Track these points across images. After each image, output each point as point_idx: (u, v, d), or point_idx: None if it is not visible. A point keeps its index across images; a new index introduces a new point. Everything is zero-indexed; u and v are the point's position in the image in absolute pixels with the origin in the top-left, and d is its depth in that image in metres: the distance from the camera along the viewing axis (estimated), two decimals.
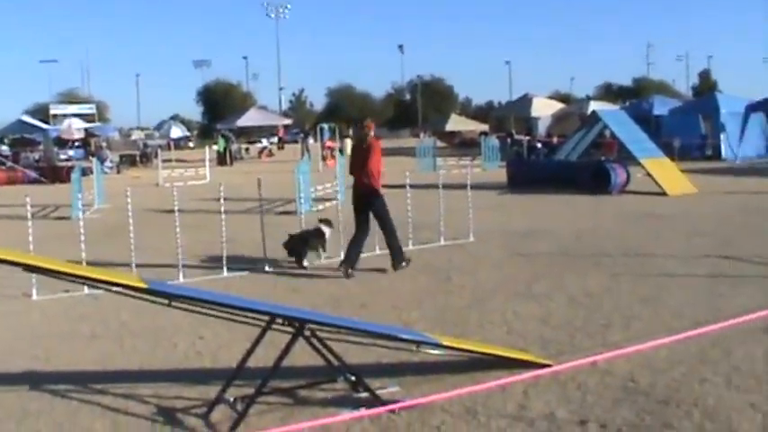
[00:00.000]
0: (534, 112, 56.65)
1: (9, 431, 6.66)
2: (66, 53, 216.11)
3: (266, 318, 6.74)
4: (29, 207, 12.75)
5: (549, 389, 6.99)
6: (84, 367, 8.38)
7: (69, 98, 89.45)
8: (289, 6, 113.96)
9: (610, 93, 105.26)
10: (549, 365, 7.26)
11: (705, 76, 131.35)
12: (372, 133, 13.13)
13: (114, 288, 6.62)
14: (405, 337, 7.29)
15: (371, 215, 12.73)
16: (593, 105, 49.20)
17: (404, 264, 12.78)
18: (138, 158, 51.01)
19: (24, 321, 10.49)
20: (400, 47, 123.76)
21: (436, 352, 7.80)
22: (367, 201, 12.66)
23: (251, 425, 6.24)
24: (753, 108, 39.99)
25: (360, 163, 12.74)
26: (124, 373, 8.04)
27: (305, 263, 13.18)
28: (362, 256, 13.02)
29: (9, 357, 8.83)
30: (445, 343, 7.33)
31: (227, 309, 6.82)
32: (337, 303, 10.55)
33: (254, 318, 6.86)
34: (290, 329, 6.62)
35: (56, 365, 8.51)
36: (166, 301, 6.69)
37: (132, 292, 6.57)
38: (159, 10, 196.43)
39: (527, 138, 46.99)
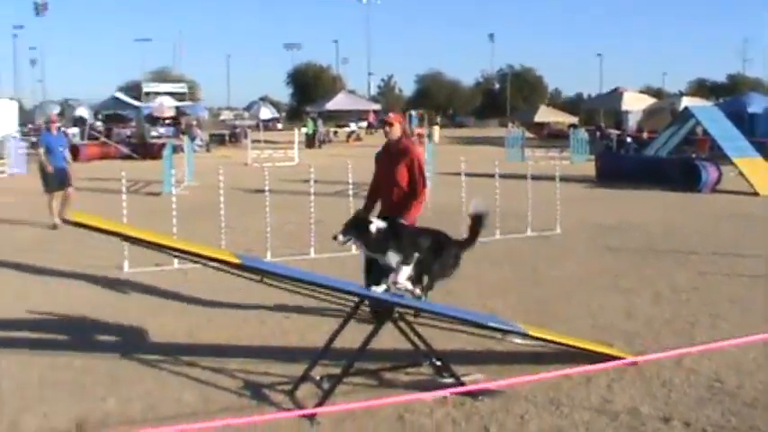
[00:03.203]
0: (625, 106, 55.88)
1: (99, 397, 6.85)
2: (159, 32, 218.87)
3: (355, 299, 6.83)
4: (124, 182, 13.04)
5: (633, 384, 6.96)
6: (174, 340, 8.56)
7: (161, 77, 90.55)
8: None
9: (703, 89, 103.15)
10: (633, 361, 7.22)
11: None
12: (400, 131, 9.19)
13: (208, 263, 6.75)
14: (492, 324, 7.30)
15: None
16: (686, 101, 48.35)
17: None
18: (227, 138, 51.63)
19: (116, 293, 10.75)
20: (491, 35, 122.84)
21: (521, 341, 7.83)
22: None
23: (336, 403, 6.31)
24: None
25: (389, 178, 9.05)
26: (212, 347, 8.20)
27: None
28: None
29: (101, 327, 9.07)
30: (531, 333, 7.32)
31: (317, 288, 6.92)
32: None
33: (342, 298, 6.95)
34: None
35: (145, 336, 8.72)
36: (258, 278, 6.83)
37: (225, 267, 6.70)
38: None
39: (617, 132, 46.42)
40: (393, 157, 9.00)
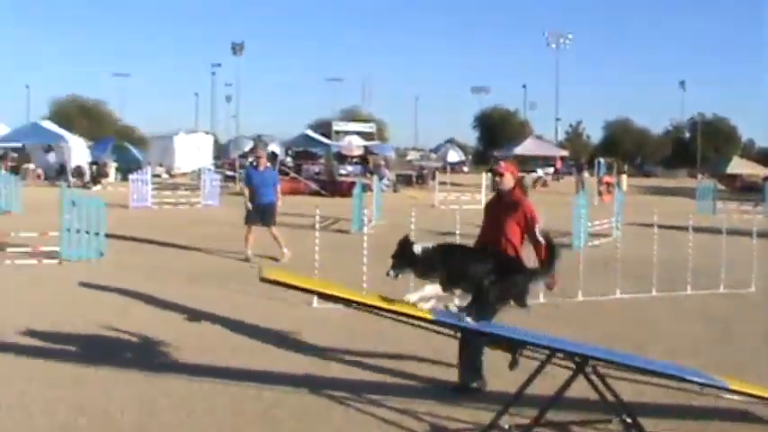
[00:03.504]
0: None
1: (290, 429, 7.00)
2: (350, 72, 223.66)
3: (547, 351, 6.76)
4: (317, 219, 13.31)
5: None
6: (361, 377, 8.67)
7: (351, 116, 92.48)
8: (570, 36, 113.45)
9: None
10: None
11: None
12: (512, 182, 8.89)
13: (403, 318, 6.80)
14: (691, 378, 7.06)
15: None
16: None
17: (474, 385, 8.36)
18: (414, 179, 52.15)
19: (304, 328, 10.95)
20: (682, 83, 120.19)
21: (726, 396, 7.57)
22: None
23: None
24: None
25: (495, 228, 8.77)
26: (400, 387, 8.27)
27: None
28: (635, 296, 12.89)
29: (291, 361, 9.26)
30: (733, 387, 7.04)
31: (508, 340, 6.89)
32: (612, 342, 10.26)
33: (533, 350, 6.90)
34: (569, 364, 6.62)
35: (334, 372, 8.86)
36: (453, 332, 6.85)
37: (421, 323, 6.75)
38: (439, 36, 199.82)
39: None
40: (503, 208, 8.76)
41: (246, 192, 17.61)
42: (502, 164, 9.14)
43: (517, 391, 6.94)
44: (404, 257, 7.18)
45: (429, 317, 6.60)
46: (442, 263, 7.09)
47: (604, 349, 7.10)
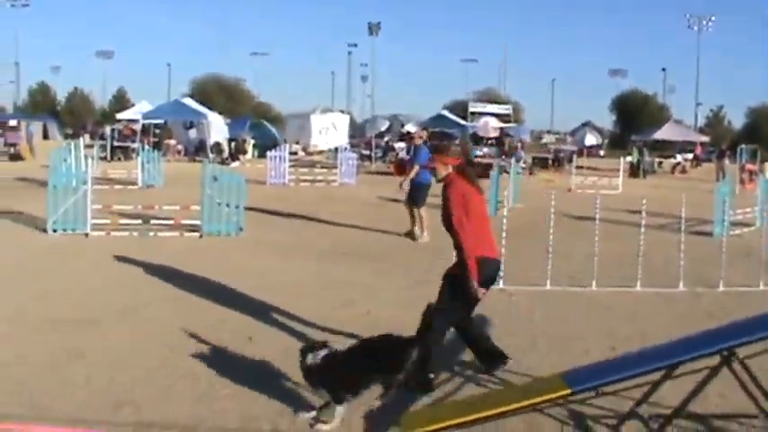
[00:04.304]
0: None
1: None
2: (485, 54, 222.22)
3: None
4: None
5: None
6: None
7: (486, 97, 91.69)
8: (713, 18, 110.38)
9: None
10: None
11: None
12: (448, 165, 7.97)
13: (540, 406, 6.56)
14: None
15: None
16: None
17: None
18: (549, 162, 51.59)
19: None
20: None
21: None
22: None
23: None
24: None
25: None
26: (537, 370, 8.19)
27: None
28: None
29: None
30: None
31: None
32: None
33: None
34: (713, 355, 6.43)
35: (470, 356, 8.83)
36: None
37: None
38: (577, 17, 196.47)
39: None
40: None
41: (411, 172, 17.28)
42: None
43: (656, 382, 6.78)
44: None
45: (567, 392, 6.29)
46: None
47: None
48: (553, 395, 6.31)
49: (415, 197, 17.34)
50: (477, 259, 7.47)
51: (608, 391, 7.39)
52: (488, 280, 7.72)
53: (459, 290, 7.52)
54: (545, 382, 6.88)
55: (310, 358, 6.71)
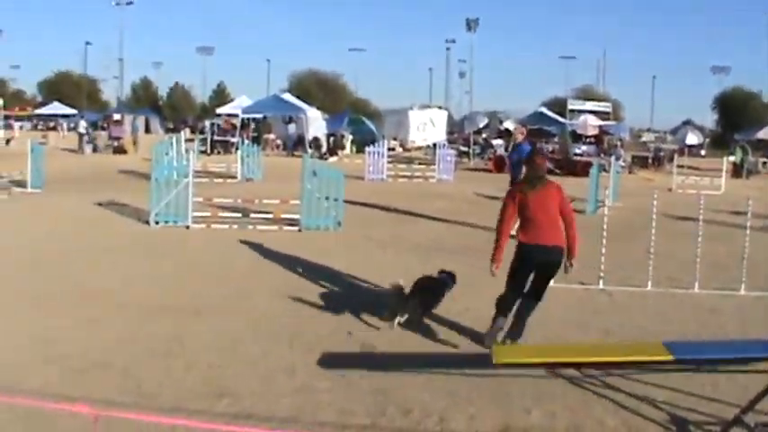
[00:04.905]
0: None
1: (526, 408, 7.01)
2: (583, 50, 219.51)
3: None
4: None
5: None
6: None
7: (585, 94, 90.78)
8: None
9: None
10: None
11: None
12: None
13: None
14: None
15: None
16: None
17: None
18: (649, 160, 50.84)
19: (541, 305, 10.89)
20: None
21: None
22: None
23: None
24: None
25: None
26: (638, 373, 8.08)
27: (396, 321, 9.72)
28: None
29: (527, 338, 9.17)
30: None
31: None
32: None
33: None
34: None
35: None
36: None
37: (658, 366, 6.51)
38: (677, 12, 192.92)
39: None
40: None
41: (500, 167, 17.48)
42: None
43: (765, 389, 6.63)
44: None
45: (669, 358, 6.33)
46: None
47: None
48: (655, 357, 6.33)
49: None
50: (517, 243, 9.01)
51: (709, 397, 7.32)
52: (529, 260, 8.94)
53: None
54: (647, 345, 6.86)
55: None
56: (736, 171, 46.01)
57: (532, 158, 9.86)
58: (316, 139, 48.35)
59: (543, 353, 7.75)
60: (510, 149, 18.40)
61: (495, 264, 8.93)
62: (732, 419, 6.55)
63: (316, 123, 50.31)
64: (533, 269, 8.95)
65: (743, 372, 7.06)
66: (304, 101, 55.73)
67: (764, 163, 56.77)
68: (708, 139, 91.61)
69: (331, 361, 8.19)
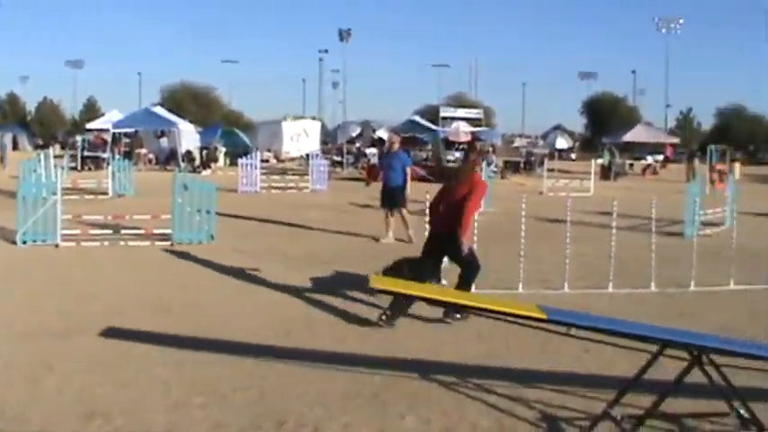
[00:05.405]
0: None
1: (401, 414, 7.02)
2: (456, 58, 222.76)
3: (660, 343, 6.61)
4: (427, 203, 13.35)
5: None
6: (471, 363, 8.63)
7: (457, 102, 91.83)
8: (681, 21, 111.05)
9: None
10: None
11: None
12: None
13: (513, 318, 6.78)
14: None
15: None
16: None
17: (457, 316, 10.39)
18: (521, 165, 51.76)
19: (416, 313, 10.97)
20: None
21: None
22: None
23: None
24: None
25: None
26: (509, 374, 8.22)
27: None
28: (750, 287, 12.67)
29: (401, 345, 9.27)
30: None
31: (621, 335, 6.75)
32: (725, 334, 9.97)
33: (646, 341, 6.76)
34: (684, 355, 6.47)
35: (444, 357, 8.84)
36: (564, 330, 6.77)
37: (530, 322, 6.68)
38: (547, 21, 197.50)
39: None
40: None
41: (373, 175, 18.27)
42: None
43: (629, 382, 6.80)
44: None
45: (543, 317, 6.51)
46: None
47: (721, 338, 6.89)
48: (529, 314, 6.50)
49: (398, 199, 17.99)
50: None
51: (579, 393, 7.48)
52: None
53: None
54: (522, 304, 7.05)
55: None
56: (605, 173, 47.22)
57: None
58: (188, 153, 47.88)
59: (420, 289, 7.84)
60: (383, 157, 18.71)
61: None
62: (600, 414, 6.69)
63: (188, 137, 49.83)
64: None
65: (611, 345, 7.19)
66: (176, 114, 55.14)
67: (631, 165, 58.42)
68: (578, 143, 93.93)
69: (204, 375, 8.08)
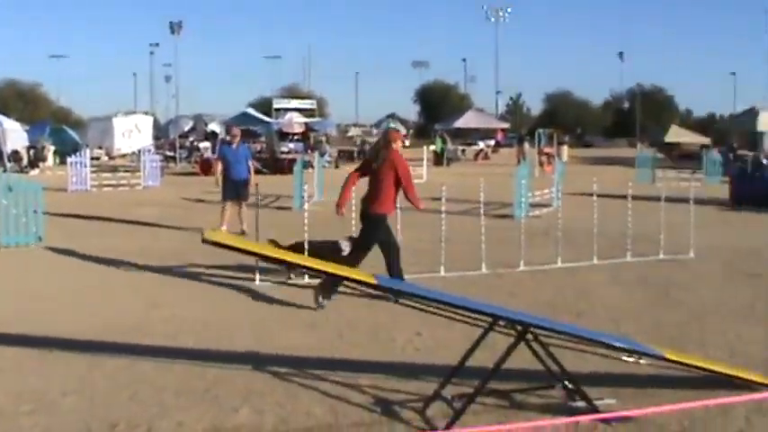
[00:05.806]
0: (761, 127, 54.21)
1: (234, 408, 6.98)
2: (288, 50, 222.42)
3: (489, 319, 6.79)
4: (259, 196, 13.33)
5: None
6: (305, 353, 8.65)
7: (291, 93, 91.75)
8: (509, 10, 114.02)
9: None
10: None
11: None
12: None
13: (346, 282, 6.87)
14: (628, 347, 7.18)
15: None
16: None
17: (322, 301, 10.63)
18: (355, 154, 52.07)
19: (248, 305, 10.94)
20: (620, 54, 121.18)
21: (646, 362, 7.65)
22: None
23: (466, 423, 6.27)
24: None
25: None
26: (343, 362, 8.27)
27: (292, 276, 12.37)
28: (576, 265, 13.10)
29: (234, 338, 9.23)
30: (669, 356, 7.12)
31: (451, 308, 6.91)
32: (554, 310, 10.36)
33: (475, 318, 6.92)
34: (511, 332, 6.67)
35: (277, 349, 8.82)
36: (393, 297, 6.91)
37: (362, 287, 6.79)
38: (378, 11, 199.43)
39: (752, 153, 45.09)
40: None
41: (219, 167, 18.29)
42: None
43: (459, 362, 6.96)
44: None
45: (373, 281, 6.62)
46: None
47: (545, 318, 7.13)
48: (360, 277, 6.62)
49: (243, 192, 18.08)
50: None
51: (412, 376, 7.60)
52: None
53: None
54: (357, 271, 7.20)
55: None
56: (438, 160, 47.97)
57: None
58: (15, 153, 46.28)
59: (253, 246, 7.87)
60: (226, 150, 18.52)
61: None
62: (432, 394, 6.83)
63: (14, 135, 48.10)
64: None
65: (443, 327, 7.35)
66: (1, 112, 53.22)
67: (463, 150, 59.51)
68: (412, 131, 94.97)
69: (31, 383, 7.85)
